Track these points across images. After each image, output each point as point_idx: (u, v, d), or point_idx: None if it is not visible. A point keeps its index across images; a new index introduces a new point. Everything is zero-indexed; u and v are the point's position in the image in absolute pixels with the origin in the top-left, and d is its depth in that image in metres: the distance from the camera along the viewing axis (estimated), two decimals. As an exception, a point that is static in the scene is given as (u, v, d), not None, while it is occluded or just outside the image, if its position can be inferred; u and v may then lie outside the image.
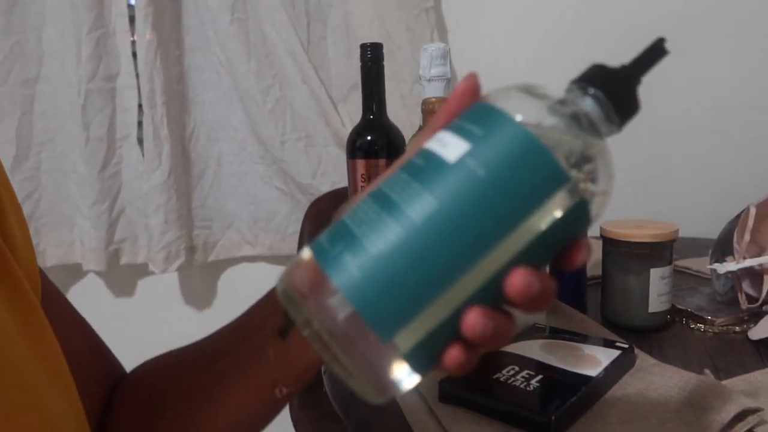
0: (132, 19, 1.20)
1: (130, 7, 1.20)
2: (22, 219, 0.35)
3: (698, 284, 0.79)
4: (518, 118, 0.26)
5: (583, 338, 0.59)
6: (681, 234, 0.66)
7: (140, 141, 1.24)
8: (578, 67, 0.30)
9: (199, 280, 1.34)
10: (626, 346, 0.57)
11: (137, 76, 1.20)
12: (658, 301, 0.65)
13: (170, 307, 1.35)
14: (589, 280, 0.73)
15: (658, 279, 0.65)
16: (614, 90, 0.28)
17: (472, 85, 0.30)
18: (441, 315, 0.25)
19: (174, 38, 1.21)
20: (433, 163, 0.26)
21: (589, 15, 1.08)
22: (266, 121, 1.16)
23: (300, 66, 1.11)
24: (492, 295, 0.25)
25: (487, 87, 0.30)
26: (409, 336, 0.25)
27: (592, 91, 0.28)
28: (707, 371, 0.53)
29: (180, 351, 0.42)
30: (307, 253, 0.27)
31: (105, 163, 1.23)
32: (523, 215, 0.25)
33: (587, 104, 0.28)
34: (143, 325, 1.29)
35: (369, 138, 0.70)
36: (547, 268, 0.31)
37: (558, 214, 0.25)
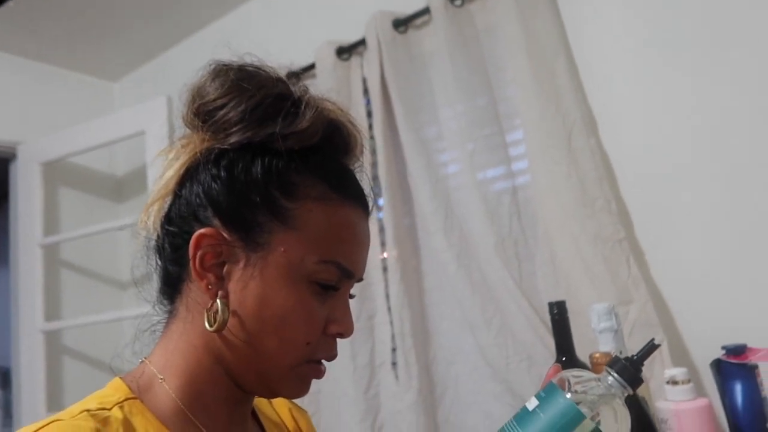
0: (385, 270, 1.56)
1: (383, 260, 1.57)
2: None
3: None
4: (574, 403, 0.48)
5: None
6: None
7: (393, 364, 1.52)
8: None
9: (448, 491, 1.49)
10: None
11: (390, 313, 1.52)
12: None
13: None
14: None
15: None
16: (628, 374, 0.50)
17: (556, 370, 0.55)
18: None
19: (415, 282, 1.53)
20: (523, 411, 0.51)
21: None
22: (492, 346, 1.36)
23: (515, 299, 1.32)
24: None
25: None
26: None
27: (614, 374, 0.50)
28: None
29: None
30: None
31: (368, 385, 1.53)
32: None
33: (611, 381, 0.50)
34: None
35: (556, 363, 0.85)
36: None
37: None
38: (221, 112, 0.57)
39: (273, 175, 0.56)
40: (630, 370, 0.49)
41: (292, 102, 0.58)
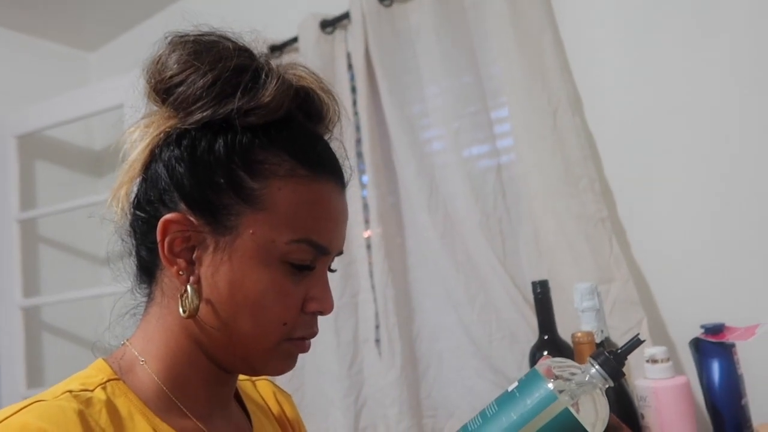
0: (369, 247, 1.56)
1: (367, 237, 1.57)
2: None
3: None
4: (549, 385, 0.49)
5: None
6: None
7: (377, 341, 1.53)
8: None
9: (429, 465, 1.51)
10: None
11: (373, 290, 1.52)
12: None
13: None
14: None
15: None
16: (610, 367, 0.50)
17: (545, 358, 0.54)
18: None
19: (400, 260, 1.53)
20: (504, 392, 0.52)
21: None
22: (475, 323, 1.37)
23: (499, 276, 1.32)
24: None
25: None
26: None
27: (597, 366, 0.51)
28: None
29: None
30: None
31: (351, 362, 1.54)
32: (534, 413, 0.49)
33: (593, 372, 0.51)
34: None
35: (545, 353, 0.86)
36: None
37: (553, 413, 0.48)
38: (179, 90, 0.54)
39: (236, 154, 0.54)
40: (612, 363, 0.50)
41: (252, 74, 0.54)
